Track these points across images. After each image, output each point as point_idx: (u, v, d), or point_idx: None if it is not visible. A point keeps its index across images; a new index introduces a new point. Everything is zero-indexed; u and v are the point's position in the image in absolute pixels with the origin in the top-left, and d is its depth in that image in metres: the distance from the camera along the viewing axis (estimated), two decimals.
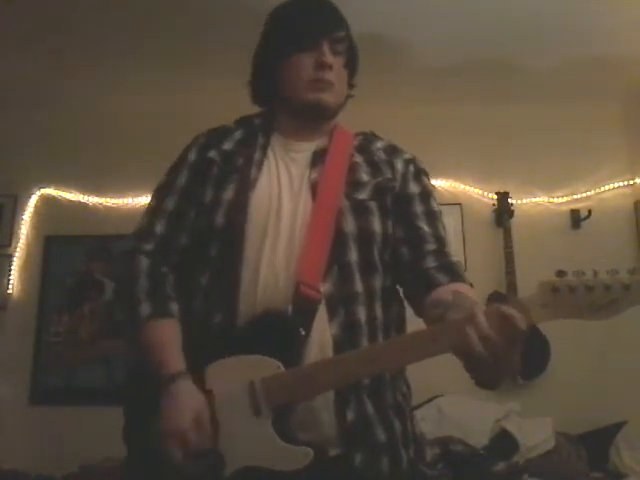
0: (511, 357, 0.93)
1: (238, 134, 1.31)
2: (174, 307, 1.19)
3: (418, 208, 1.25)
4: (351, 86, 1.34)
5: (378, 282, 1.20)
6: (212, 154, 1.26)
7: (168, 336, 1.15)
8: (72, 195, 3.49)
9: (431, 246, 1.22)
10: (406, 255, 1.22)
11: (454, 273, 1.19)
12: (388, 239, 1.22)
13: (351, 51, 1.31)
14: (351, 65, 1.31)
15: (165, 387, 1.08)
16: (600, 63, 3.10)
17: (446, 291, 1.12)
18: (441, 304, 1.07)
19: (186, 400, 1.07)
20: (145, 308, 1.16)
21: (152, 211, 1.27)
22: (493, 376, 0.96)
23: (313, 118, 1.28)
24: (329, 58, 1.22)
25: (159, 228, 1.24)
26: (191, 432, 1.04)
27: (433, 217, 1.26)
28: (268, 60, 1.29)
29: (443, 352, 0.96)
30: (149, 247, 1.23)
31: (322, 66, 1.22)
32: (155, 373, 1.11)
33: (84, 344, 3.29)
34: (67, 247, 3.40)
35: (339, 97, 1.28)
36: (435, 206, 1.28)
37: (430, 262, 1.20)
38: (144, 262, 1.22)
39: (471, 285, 1.20)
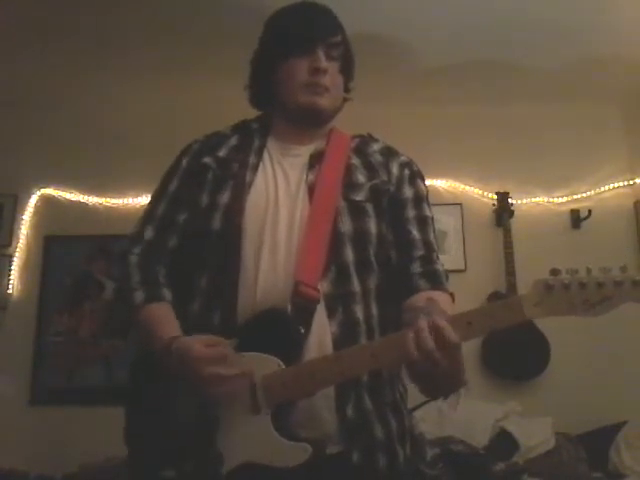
0: (450, 369, 0.95)
1: (234, 140, 1.33)
2: (166, 292, 1.23)
3: (410, 213, 1.27)
4: (347, 90, 1.35)
5: (374, 282, 1.22)
6: (207, 160, 1.28)
7: (161, 314, 1.19)
8: (72, 195, 3.49)
9: (419, 252, 1.24)
10: (394, 258, 1.25)
11: (436, 281, 1.22)
12: (383, 240, 1.24)
13: (347, 56, 1.32)
14: (347, 70, 1.32)
15: (167, 353, 1.09)
16: (600, 63, 3.11)
17: (422, 298, 1.15)
18: (413, 309, 1.12)
19: (190, 343, 1.08)
20: (138, 295, 1.20)
21: (143, 217, 1.32)
22: (433, 386, 1.00)
23: (308, 122, 1.30)
24: (323, 63, 1.24)
25: (148, 233, 1.28)
26: (212, 356, 1.05)
27: (424, 222, 1.28)
28: (265, 64, 1.31)
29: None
30: (137, 250, 1.27)
31: (316, 71, 1.23)
32: (154, 348, 1.13)
33: (84, 344, 3.29)
34: (67, 247, 3.39)
35: (334, 101, 1.30)
36: (427, 211, 1.30)
37: (415, 268, 1.23)
38: (134, 259, 1.26)
39: (451, 294, 1.23)
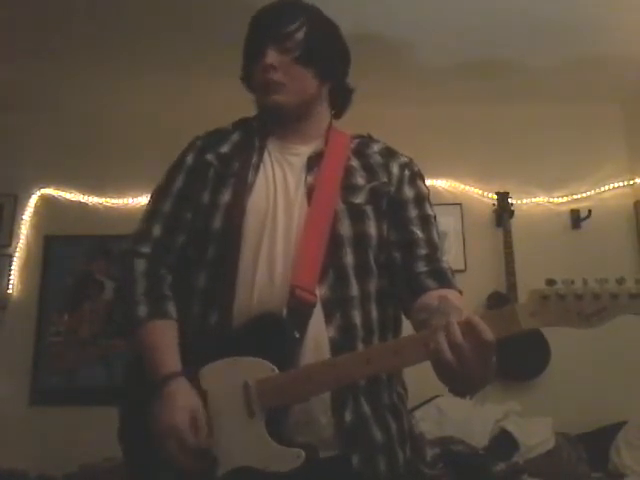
0: (481, 367, 0.93)
1: (235, 136, 1.32)
2: (171, 308, 1.20)
3: (412, 213, 1.26)
4: (326, 75, 1.28)
5: (373, 285, 1.20)
6: (209, 157, 1.27)
7: (164, 337, 1.16)
8: (72, 195, 3.50)
9: (423, 251, 1.22)
10: (398, 259, 1.23)
11: (443, 279, 1.20)
12: (383, 242, 1.23)
13: (310, 42, 1.23)
14: (310, 53, 1.23)
15: (160, 388, 1.09)
16: (600, 63, 3.11)
17: (433, 297, 1.13)
18: (426, 309, 1.10)
19: (182, 400, 1.08)
20: (142, 309, 1.17)
21: (149, 214, 1.28)
22: (464, 385, 0.97)
23: (281, 120, 1.28)
24: (267, 59, 1.21)
25: (156, 231, 1.25)
26: (188, 431, 1.05)
27: (427, 222, 1.26)
28: (246, 72, 1.32)
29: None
30: (146, 250, 1.24)
31: (263, 69, 1.22)
32: (151, 374, 1.12)
33: (84, 344, 3.29)
34: (67, 247, 3.40)
35: (297, 95, 1.24)
36: (429, 210, 1.28)
37: (421, 267, 1.21)
38: (141, 264, 1.22)
39: (460, 292, 1.21)
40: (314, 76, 1.25)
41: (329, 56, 1.28)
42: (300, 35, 1.23)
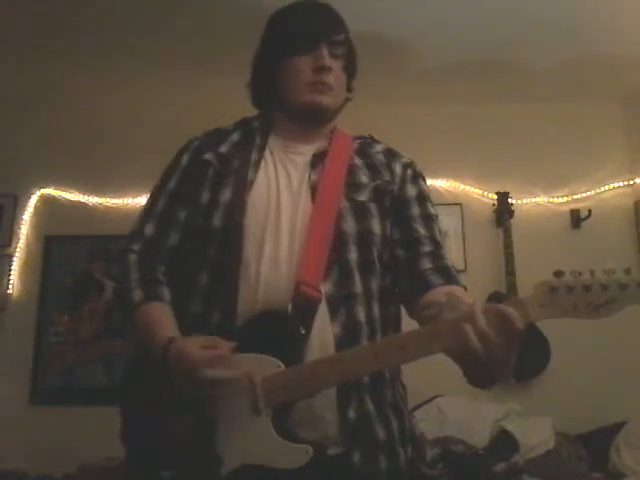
0: (507, 356, 0.94)
1: (235, 136, 1.32)
2: (165, 291, 1.21)
3: (415, 211, 1.27)
4: (350, 89, 1.35)
5: (376, 282, 1.21)
6: (208, 156, 1.27)
7: (159, 314, 1.17)
8: (72, 195, 3.49)
9: (427, 248, 1.23)
10: (402, 257, 1.24)
11: (449, 276, 1.21)
12: (387, 240, 1.24)
13: (350, 54, 1.31)
14: (349, 68, 1.32)
15: (167, 351, 1.08)
16: (600, 63, 3.11)
17: (440, 293, 1.14)
18: (434, 305, 1.10)
19: (188, 345, 1.07)
20: (137, 294, 1.19)
21: (143, 214, 1.30)
22: (488, 375, 0.97)
23: (312, 120, 1.29)
24: (327, 61, 1.23)
25: (148, 230, 1.27)
26: (210, 368, 1.04)
27: (429, 220, 1.28)
28: (267, 63, 1.30)
29: (442, 350, 0.97)
30: (137, 247, 1.26)
31: (321, 69, 1.22)
32: (153, 349, 1.11)
33: (84, 344, 3.29)
34: (67, 247, 3.40)
35: (337, 100, 1.29)
36: (431, 209, 1.30)
37: (425, 264, 1.22)
38: (133, 257, 1.25)
39: (465, 288, 1.21)
40: (347, 84, 1.32)
41: (355, 71, 1.34)
42: (345, 45, 1.29)
